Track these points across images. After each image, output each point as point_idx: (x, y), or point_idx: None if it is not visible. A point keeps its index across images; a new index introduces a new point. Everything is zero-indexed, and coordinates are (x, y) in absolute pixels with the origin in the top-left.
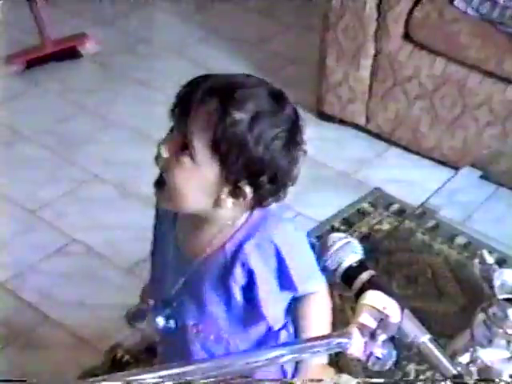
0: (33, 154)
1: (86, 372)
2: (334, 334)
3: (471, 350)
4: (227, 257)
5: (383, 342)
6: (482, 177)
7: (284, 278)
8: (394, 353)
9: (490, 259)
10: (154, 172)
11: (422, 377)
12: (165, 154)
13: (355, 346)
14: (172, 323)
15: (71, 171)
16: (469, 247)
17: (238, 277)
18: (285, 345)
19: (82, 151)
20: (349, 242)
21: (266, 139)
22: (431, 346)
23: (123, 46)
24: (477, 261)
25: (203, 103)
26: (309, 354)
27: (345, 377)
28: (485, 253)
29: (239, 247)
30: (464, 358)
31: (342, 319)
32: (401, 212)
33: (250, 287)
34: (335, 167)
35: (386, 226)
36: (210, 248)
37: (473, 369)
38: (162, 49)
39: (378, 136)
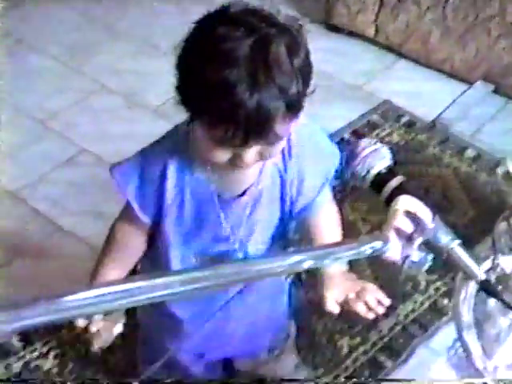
0: (41, 64)
1: None
2: (371, 238)
3: (492, 257)
4: (278, 165)
5: (419, 245)
6: (494, 91)
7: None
8: (430, 256)
9: None
10: (161, 83)
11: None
12: (250, 160)
13: (393, 249)
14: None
15: (79, 81)
16: (478, 160)
17: (290, 182)
18: (308, 250)
19: (90, 61)
20: (378, 148)
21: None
22: (461, 250)
23: None
24: (501, 171)
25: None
26: (340, 258)
27: None
28: (509, 163)
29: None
30: (484, 266)
31: (353, 230)
32: (411, 124)
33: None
34: (344, 79)
35: (396, 138)
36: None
37: (492, 276)
38: None
39: (387, 48)
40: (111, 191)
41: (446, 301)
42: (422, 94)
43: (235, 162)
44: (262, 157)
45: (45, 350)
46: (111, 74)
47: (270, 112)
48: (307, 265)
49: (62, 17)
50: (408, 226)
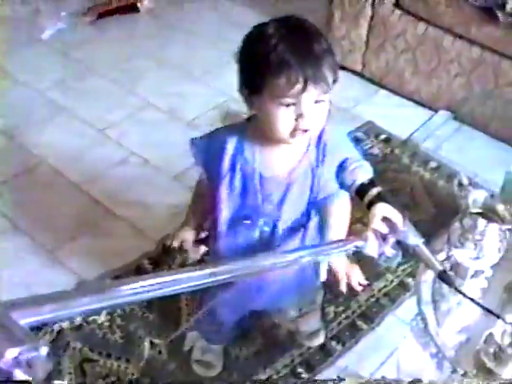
0: (102, 86)
1: (142, 256)
2: (354, 238)
3: (447, 250)
4: (313, 163)
5: (392, 244)
6: (454, 118)
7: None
8: (400, 253)
9: (466, 181)
10: (193, 102)
11: (400, 268)
12: (310, 109)
13: (371, 246)
14: (267, 228)
15: (131, 100)
16: (438, 170)
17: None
18: (306, 248)
19: (140, 84)
20: (362, 164)
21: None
22: (424, 247)
23: (173, 2)
24: (456, 182)
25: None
26: (329, 254)
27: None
28: (463, 176)
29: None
30: (440, 256)
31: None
32: (387, 140)
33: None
34: (336, 104)
35: (376, 151)
36: (296, 159)
37: (447, 265)
38: (201, 4)
39: (370, 80)
40: (154, 187)
41: (410, 280)
42: (397, 116)
43: (298, 121)
44: (316, 108)
45: None
46: (156, 94)
47: (320, 57)
48: (306, 260)
49: (118, 49)
50: (384, 229)
